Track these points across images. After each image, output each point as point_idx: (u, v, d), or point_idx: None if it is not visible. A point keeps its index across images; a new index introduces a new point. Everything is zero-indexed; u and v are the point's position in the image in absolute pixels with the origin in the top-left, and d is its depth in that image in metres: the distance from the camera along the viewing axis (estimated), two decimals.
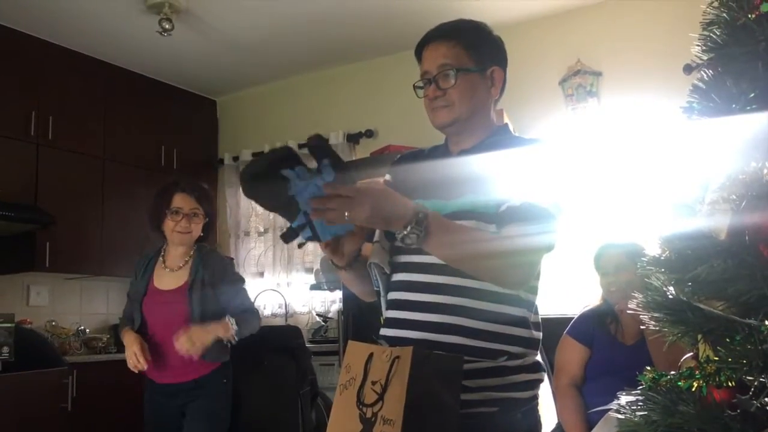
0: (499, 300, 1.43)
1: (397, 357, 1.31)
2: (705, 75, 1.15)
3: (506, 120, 3.69)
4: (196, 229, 2.81)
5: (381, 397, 1.30)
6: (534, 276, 1.45)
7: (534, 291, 1.51)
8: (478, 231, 1.40)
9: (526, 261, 1.38)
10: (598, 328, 2.61)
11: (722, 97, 1.09)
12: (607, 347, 2.57)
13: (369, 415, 1.31)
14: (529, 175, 1.42)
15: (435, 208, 1.48)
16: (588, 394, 2.59)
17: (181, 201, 2.78)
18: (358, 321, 3.84)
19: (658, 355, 2.33)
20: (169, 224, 2.77)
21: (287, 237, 1.29)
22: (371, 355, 1.37)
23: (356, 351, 1.42)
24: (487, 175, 1.46)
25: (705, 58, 1.18)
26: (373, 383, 1.33)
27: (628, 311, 2.38)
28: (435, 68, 1.52)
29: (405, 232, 1.28)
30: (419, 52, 1.58)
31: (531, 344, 1.48)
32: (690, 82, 1.19)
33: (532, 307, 1.50)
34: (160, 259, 2.86)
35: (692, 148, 1.14)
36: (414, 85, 1.58)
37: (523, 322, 1.46)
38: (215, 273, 2.77)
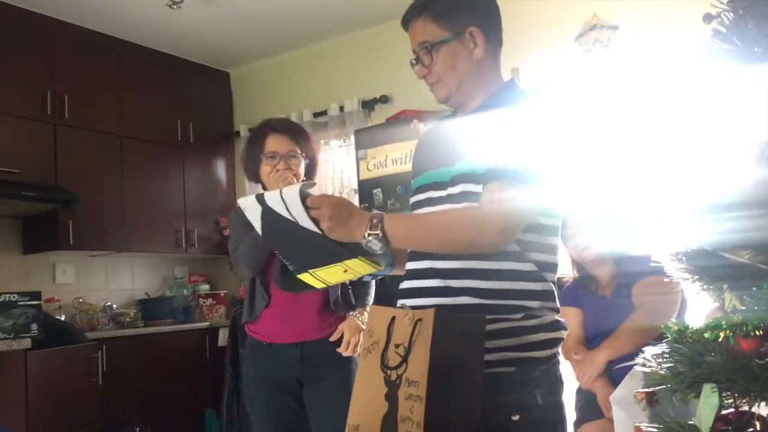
0: (502, 258, 1.42)
1: (419, 319, 1.32)
2: (726, 18, 1.11)
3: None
4: (298, 172, 2.42)
5: (405, 360, 1.31)
6: (516, 232, 1.41)
7: (542, 249, 1.48)
8: (434, 214, 1.48)
9: (499, 220, 1.38)
10: (580, 289, 2.80)
11: (744, 41, 1.06)
12: (593, 303, 2.74)
13: (393, 377, 1.33)
14: (522, 133, 1.41)
15: (440, 176, 1.51)
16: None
17: (275, 143, 2.42)
18: (378, 290, 3.85)
19: (640, 302, 2.55)
20: (265, 170, 2.42)
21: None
22: (393, 318, 1.38)
23: (378, 315, 1.44)
24: (481, 137, 1.46)
25: (725, 0, 1.14)
26: (397, 346, 1.35)
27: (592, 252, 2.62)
28: (416, 47, 1.54)
29: (367, 240, 1.39)
30: (406, 30, 1.58)
31: (545, 296, 1.46)
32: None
33: (544, 264, 1.48)
34: None
35: (712, 94, 1.12)
36: (410, 62, 1.58)
37: (532, 276, 1.45)
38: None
